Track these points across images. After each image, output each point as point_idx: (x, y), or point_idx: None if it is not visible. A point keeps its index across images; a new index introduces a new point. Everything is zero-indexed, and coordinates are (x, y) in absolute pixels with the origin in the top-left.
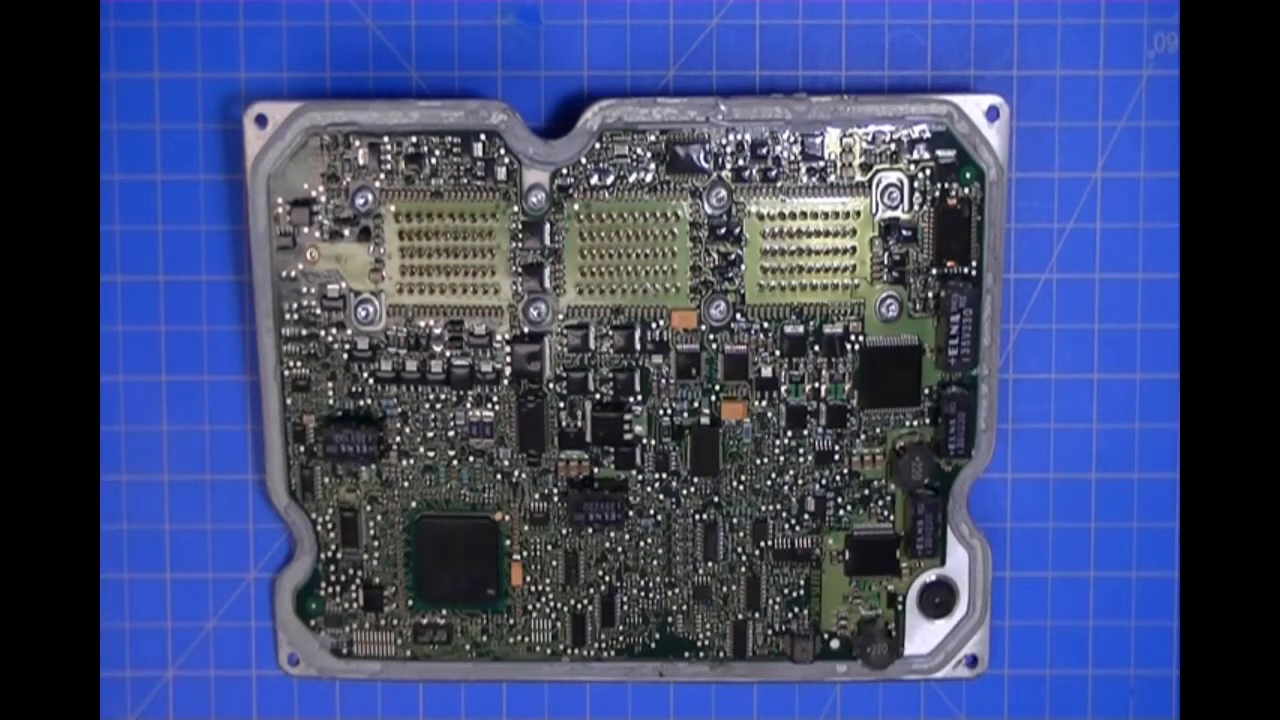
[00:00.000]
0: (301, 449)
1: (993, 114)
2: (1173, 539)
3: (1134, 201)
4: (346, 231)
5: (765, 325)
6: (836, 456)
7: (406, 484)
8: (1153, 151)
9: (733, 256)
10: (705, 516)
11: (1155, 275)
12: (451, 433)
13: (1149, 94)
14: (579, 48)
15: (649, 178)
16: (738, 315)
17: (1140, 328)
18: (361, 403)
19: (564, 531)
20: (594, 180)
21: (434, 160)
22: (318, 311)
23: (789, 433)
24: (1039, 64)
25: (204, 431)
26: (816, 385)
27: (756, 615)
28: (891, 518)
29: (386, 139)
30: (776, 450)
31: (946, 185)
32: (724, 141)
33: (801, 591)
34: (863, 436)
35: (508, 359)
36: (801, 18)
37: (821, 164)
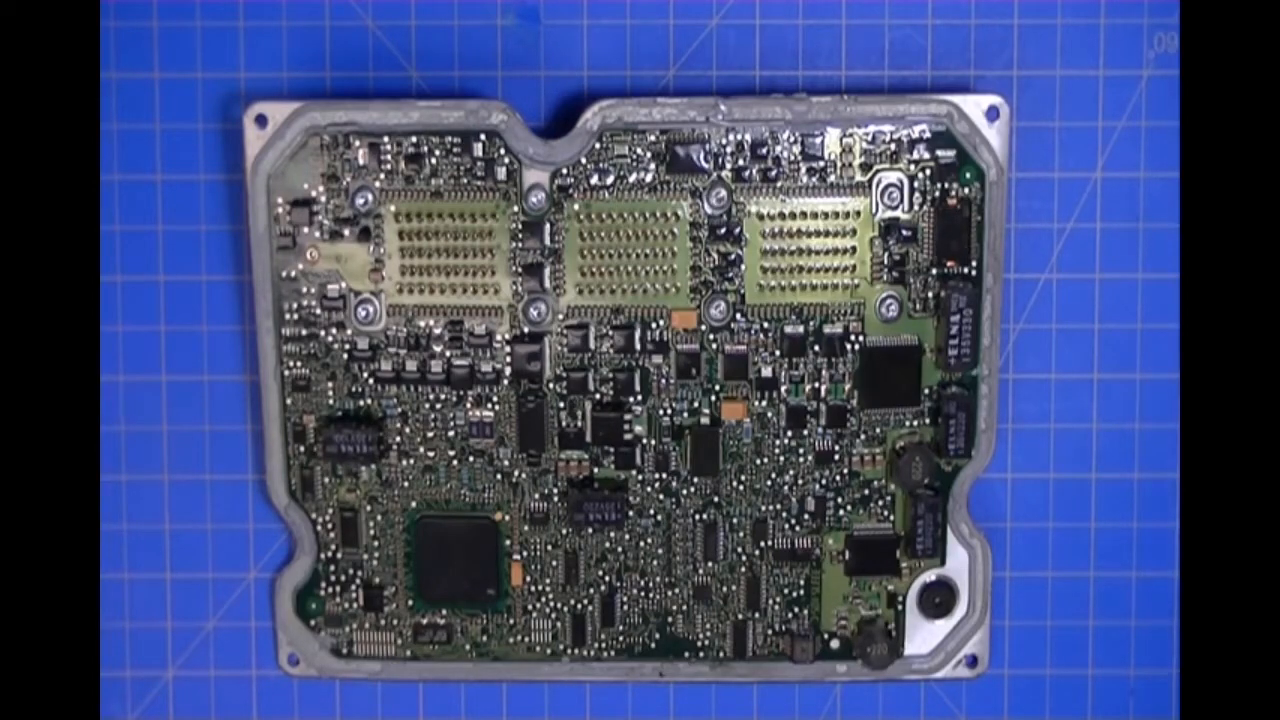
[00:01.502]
0: (301, 449)
1: (993, 114)
2: (1173, 539)
3: (1134, 201)
4: (346, 231)
5: (765, 325)
6: (836, 456)
7: (406, 484)
8: (1153, 151)
9: (733, 256)
10: (705, 516)
11: (1155, 275)
12: (451, 433)
13: (1149, 94)
14: (579, 48)
15: (649, 178)
16: (738, 315)
17: (1140, 328)
18: (361, 403)
19: (564, 531)
20: (594, 180)
21: (434, 160)
22: (318, 311)
23: (789, 433)
24: (1039, 64)
25: (204, 432)
26: (816, 385)
27: (756, 615)
28: (891, 518)
29: (386, 139)
30: (776, 450)
31: (946, 185)
32: (724, 141)
33: (801, 591)
34: (863, 436)
35: (508, 359)
36: (801, 18)
37: (821, 164)
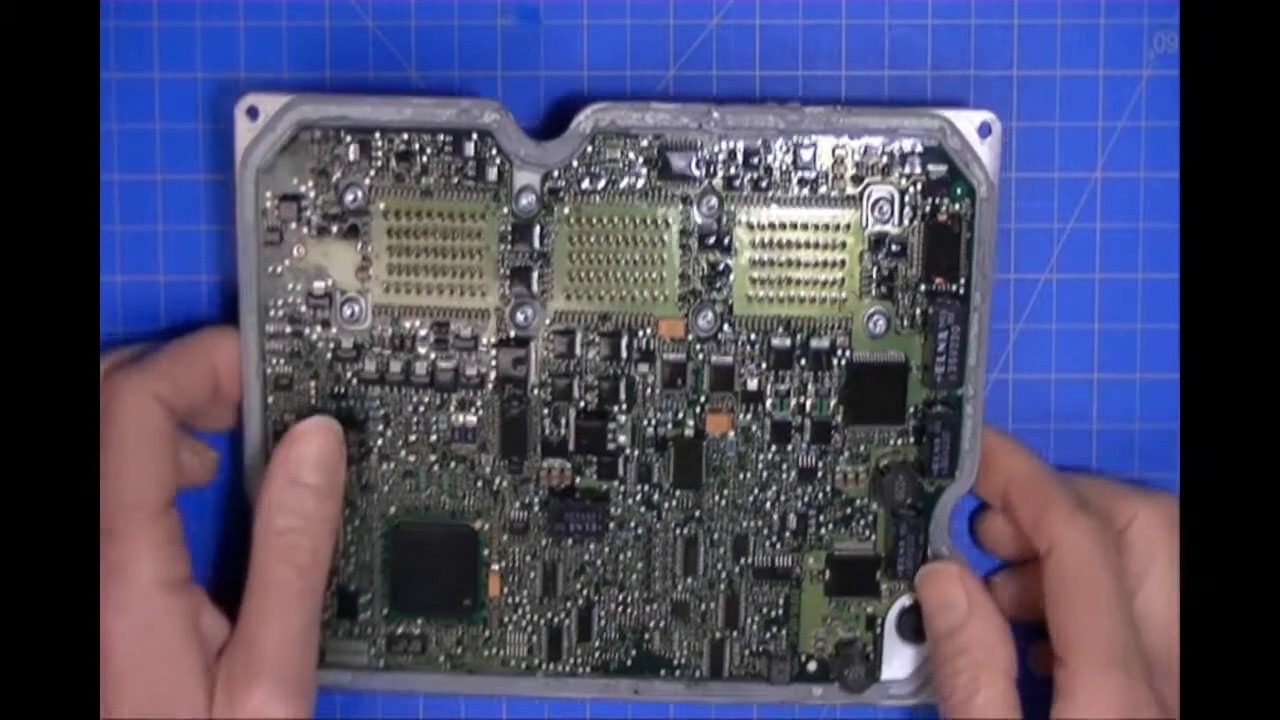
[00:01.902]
0: None
1: (985, 130)
2: None
3: (1134, 201)
4: (334, 228)
5: (753, 336)
6: (820, 473)
7: (386, 488)
8: (1153, 151)
9: (721, 266)
10: (686, 531)
11: (1155, 275)
12: (433, 437)
13: (1149, 94)
14: (579, 48)
15: (640, 183)
16: (725, 325)
17: (1140, 328)
18: (343, 403)
19: (543, 542)
20: (585, 184)
21: (425, 158)
22: (303, 309)
23: (773, 447)
24: (1039, 64)
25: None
26: (802, 400)
27: (735, 634)
28: (873, 537)
29: (378, 135)
30: (760, 465)
31: (937, 201)
32: (716, 149)
33: (780, 611)
34: (846, 454)
35: (493, 363)
36: (801, 18)
37: (813, 175)
